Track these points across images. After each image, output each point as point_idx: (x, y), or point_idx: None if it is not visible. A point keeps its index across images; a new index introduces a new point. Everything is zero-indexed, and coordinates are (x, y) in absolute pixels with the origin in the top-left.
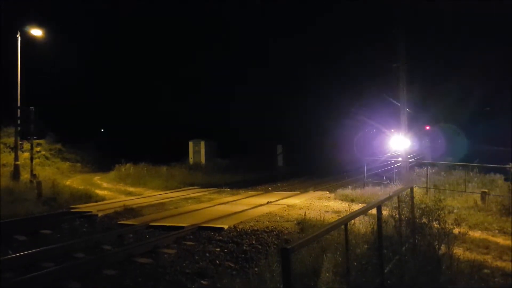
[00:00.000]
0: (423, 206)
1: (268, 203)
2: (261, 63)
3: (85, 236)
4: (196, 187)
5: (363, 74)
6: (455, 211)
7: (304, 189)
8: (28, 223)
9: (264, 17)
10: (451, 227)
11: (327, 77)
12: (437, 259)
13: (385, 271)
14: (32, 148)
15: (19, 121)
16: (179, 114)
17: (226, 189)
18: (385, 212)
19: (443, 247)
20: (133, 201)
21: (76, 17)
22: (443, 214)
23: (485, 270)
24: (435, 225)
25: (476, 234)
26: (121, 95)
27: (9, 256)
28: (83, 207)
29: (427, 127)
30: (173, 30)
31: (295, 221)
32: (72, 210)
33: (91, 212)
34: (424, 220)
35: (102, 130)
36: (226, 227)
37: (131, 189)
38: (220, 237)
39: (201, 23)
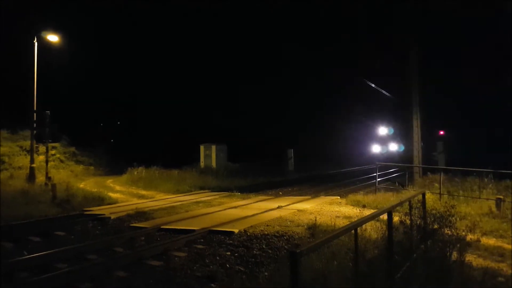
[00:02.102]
0: (434, 212)
1: (278, 207)
2: (272, 67)
3: (98, 238)
4: (207, 191)
5: (373, 79)
6: (468, 217)
7: (315, 194)
8: (42, 224)
9: (275, 21)
10: (464, 233)
11: (337, 83)
12: (447, 266)
13: (395, 277)
14: (47, 151)
15: (35, 125)
16: (189, 118)
17: (236, 193)
18: (396, 218)
19: (455, 254)
20: (145, 204)
21: (89, 19)
22: (454, 220)
23: (500, 278)
24: (447, 232)
25: (491, 241)
26: (133, 100)
27: (24, 257)
28: (96, 210)
29: (442, 132)
30: (179, 33)
31: (305, 226)
32: (85, 213)
33: (104, 214)
34: (435, 226)
35: (118, 122)
36: (236, 231)
37: (143, 192)
38: (231, 241)
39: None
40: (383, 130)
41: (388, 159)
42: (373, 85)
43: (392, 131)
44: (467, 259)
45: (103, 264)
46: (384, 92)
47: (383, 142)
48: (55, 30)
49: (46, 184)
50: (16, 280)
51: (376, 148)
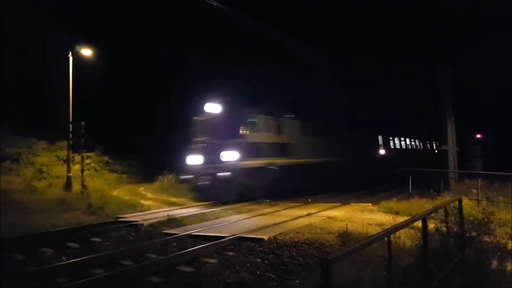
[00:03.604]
0: (471, 218)
1: (308, 214)
2: None
3: (131, 245)
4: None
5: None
6: (509, 224)
7: (345, 201)
8: (79, 231)
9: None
10: (504, 241)
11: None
12: (487, 275)
13: (431, 286)
14: (82, 161)
15: (71, 135)
16: None
17: (265, 200)
18: (432, 225)
19: (494, 262)
20: (176, 211)
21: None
22: (493, 227)
23: None
24: (486, 239)
25: None
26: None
27: (63, 263)
28: (129, 217)
29: (478, 135)
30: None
31: (336, 234)
32: (119, 219)
33: (137, 221)
34: (473, 233)
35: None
36: (266, 238)
37: (174, 199)
38: (260, 248)
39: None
40: (213, 109)
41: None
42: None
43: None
44: (508, 268)
45: (137, 270)
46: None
47: (215, 144)
48: (90, 40)
49: (82, 192)
50: (56, 285)
51: (191, 159)
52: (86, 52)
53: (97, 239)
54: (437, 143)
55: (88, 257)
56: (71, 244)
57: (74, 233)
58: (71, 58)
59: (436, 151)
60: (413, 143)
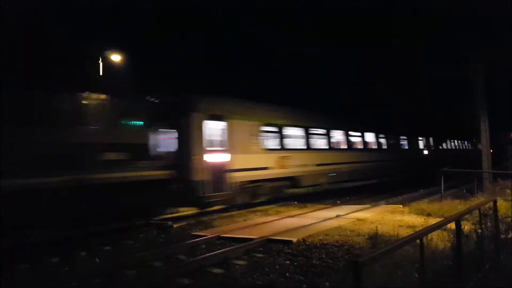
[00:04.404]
0: (509, 220)
1: (337, 216)
2: None
3: (162, 246)
4: (262, 199)
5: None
6: None
7: (374, 202)
8: (112, 234)
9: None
10: None
11: None
12: None
13: None
14: None
15: None
16: None
17: (293, 202)
18: (466, 227)
19: None
20: (204, 213)
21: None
22: None
23: None
24: None
25: None
26: None
27: (96, 264)
28: (160, 219)
29: None
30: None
31: (366, 236)
32: (149, 222)
33: (167, 223)
34: (510, 235)
35: None
36: (295, 240)
37: None
38: (289, 250)
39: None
40: None
41: None
42: None
43: None
44: None
45: (167, 271)
46: None
47: None
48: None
49: None
50: (89, 285)
51: None
52: (116, 57)
53: (129, 241)
54: (436, 138)
55: (120, 258)
56: (104, 247)
57: (107, 236)
58: (101, 64)
59: (434, 150)
60: (370, 139)
